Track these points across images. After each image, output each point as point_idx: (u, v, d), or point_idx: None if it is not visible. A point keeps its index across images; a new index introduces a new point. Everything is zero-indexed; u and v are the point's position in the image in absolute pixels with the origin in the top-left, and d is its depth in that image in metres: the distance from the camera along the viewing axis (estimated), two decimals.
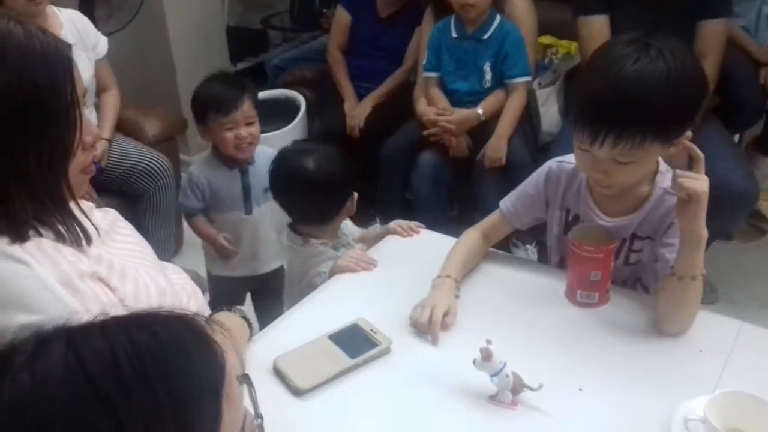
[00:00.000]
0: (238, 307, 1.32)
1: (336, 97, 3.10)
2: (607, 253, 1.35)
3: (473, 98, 2.67)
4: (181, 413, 0.55)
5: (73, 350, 0.55)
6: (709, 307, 1.41)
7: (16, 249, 0.94)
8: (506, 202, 1.52)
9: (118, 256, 1.08)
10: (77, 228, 1.02)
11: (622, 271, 1.45)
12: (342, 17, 3.17)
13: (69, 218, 1.01)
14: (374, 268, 1.54)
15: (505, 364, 1.15)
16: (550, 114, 2.76)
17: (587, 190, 1.41)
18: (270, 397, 1.14)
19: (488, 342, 1.14)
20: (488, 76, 2.63)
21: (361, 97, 3.05)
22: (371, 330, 1.32)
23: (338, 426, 1.17)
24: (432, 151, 2.73)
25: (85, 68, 2.45)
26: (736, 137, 2.98)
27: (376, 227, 1.84)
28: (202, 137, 2.14)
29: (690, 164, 1.24)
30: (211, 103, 2.04)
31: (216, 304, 1.46)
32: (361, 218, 1.97)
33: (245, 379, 0.65)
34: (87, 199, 1.16)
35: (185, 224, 2.35)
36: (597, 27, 2.47)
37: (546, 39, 2.91)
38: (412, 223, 1.69)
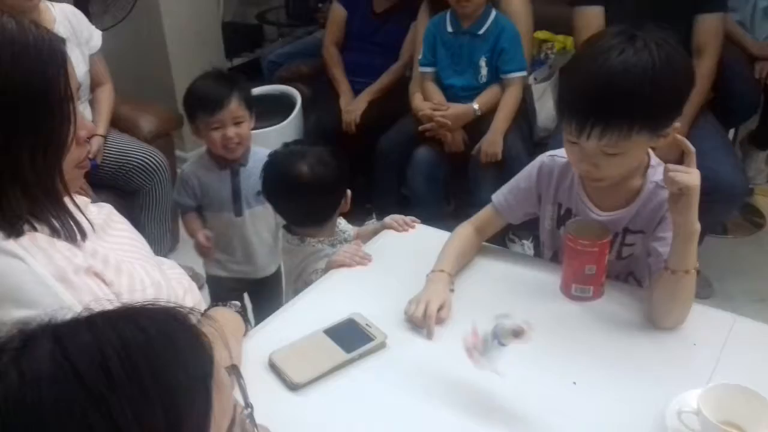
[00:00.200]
0: (234, 302, 1.32)
1: (332, 93, 3.10)
2: (601, 246, 1.35)
3: (469, 93, 2.67)
4: (171, 405, 0.56)
5: (60, 346, 0.55)
6: (703, 301, 1.41)
7: (10, 243, 0.94)
8: (499, 196, 1.52)
9: (113, 250, 1.08)
10: (71, 223, 1.02)
11: (614, 265, 1.45)
12: (337, 12, 3.17)
13: (63, 213, 1.01)
14: (369, 262, 1.55)
15: (495, 324, 1.13)
16: (545, 109, 2.76)
17: (579, 184, 1.42)
18: (265, 391, 1.15)
19: (474, 327, 1.16)
20: (484, 71, 2.63)
21: (356, 92, 3.05)
22: (366, 324, 1.32)
23: (334, 420, 1.17)
24: (428, 147, 2.73)
25: (78, 63, 2.44)
26: (732, 132, 2.98)
27: (372, 223, 1.84)
28: (194, 135, 2.12)
29: (681, 158, 1.25)
30: (199, 102, 2.00)
31: (214, 303, 1.46)
32: (358, 214, 1.97)
33: (233, 369, 0.66)
34: (82, 195, 1.16)
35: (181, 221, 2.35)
36: (591, 18, 2.49)
37: (542, 34, 2.92)
38: (408, 218, 1.69)
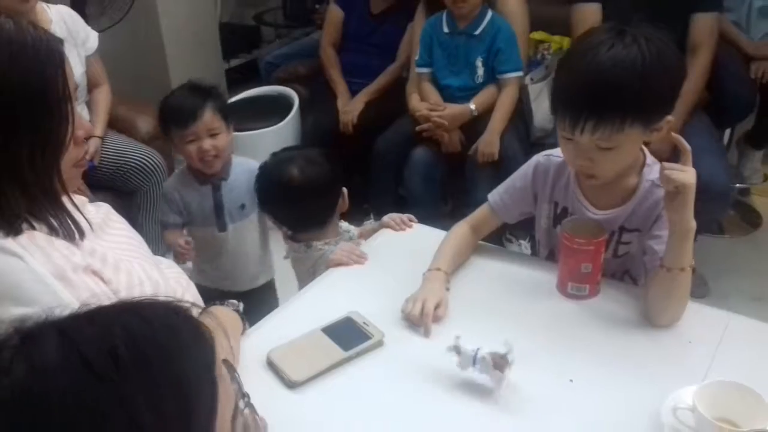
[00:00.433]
0: (231, 301, 1.32)
1: (329, 94, 3.11)
2: (597, 245, 1.36)
3: (465, 94, 2.68)
4: (181, 392, 0.56)
5: (66, 338, 0.56)
6: (699, 300, 1.42)
7: (9, 242, 0.95)
8: (495, 196, 1.53)
9: (111, 249, 1.09)
10: (69, 222, 1.02)
11: (610, 263, 1.46)
12: (334, 13, 3.18)
13: (61, 212, 1.02)
14: (366, 261, 1.55)
15: (478, 348, 1.16)
16: (542, 109, 2.77)
17: (575, 182, 1.42)
18: (263, 389, 1.15)
19: (457, 338, 1.18)
20: (480, 71, 2.64)
21: (353, 93, 3.06)
22: (364, 323, 1.32)
23: (332, 418, 1.17)
24: (425, 147, 2.74)
25: (75, 64, 2.44)
26: (728, 132, 3.00)
27: (370, 223, 1.84)
28: (173, 151, 2.03)
29: (673, 155, 1.26)
30: (171, 116, 1.94)
31: (211, 302, 1.45)
32: (355, 214, 1.97)
33: (224, 362, 0.66)
34: (80, 195, 1.17)
35: None
36: (589, 15, 2.51)
37: (538, 35, 2.92)
38: (405, 216, 1.70)
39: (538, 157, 1.48)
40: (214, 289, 2.09)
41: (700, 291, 2.53)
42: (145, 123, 2.86)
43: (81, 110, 2.54)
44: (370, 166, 2.84)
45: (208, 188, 1.99)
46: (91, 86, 2.65)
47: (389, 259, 1.58)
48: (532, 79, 2.76)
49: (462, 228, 1.53)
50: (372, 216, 2.83)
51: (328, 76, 3.15)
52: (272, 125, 3.16)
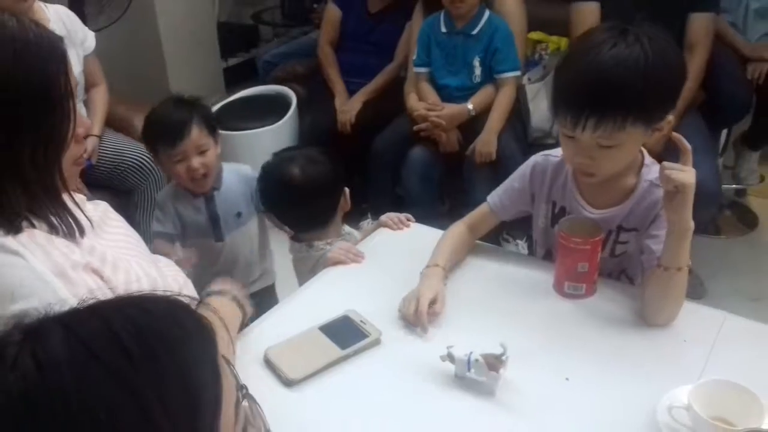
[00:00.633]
0: (227, 288, 1.28)
1: (327, 93, 3.11)
2: (594, 244, 1.36)
3: (463, 93, 2.68)
4: (189, 382, 0.57)
5: (72, 332, 0.56)
6: (695, 300, 1.43)
7: (9, 240, 0.95)
8: (494, 197, 1.53)
9: (110, 247, 1.09)
10: (70, 219, 1.03)
11: (607, 263, 1.46)
12: (332, 13, 3.18)
13: (62, 210, 1.02)
14: (363, 260, 1.56)
15: (470, 352, 1.17)
16: (539, 109, 2.77)
17: (573, 182, 1.43)
18: (261, 387, 1.15)
19: (448, 347, 1.19)
20: (478, 71, 2.64)
21: (351, 92, 3.06)
22: (361, 321, 1.33)
23: (329, 416, 1.18)
24: (422, 147, 2.74)
25: (73, 64, 2.41)
26: (724, 132, 3.00)
27: (368, 223, 1.85)
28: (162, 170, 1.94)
29: (666, 153, 1.26)
30: (157, 135, 1.86)
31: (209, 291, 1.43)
32: (353, 214, 1.97)
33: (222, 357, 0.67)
34: (78, 193, 1.17)
35: None
36: (587, 14, 2.53)
37: (536, 35, 2.93)
38: (402, 216, 1.70)
39: (536, 158, 1.49)
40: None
41: (697, 292, 2.54)
42: (142, 122, 2.86)
43: (79, 109, 2.54)
44: (367, 166, 2.84)
45: (201, 200, 1.94)
46: (89, 86, 2.65)
47: (387, 257, 1.58)
48: (529, 79, 2.77)
49: (459, 227, 1.54)
50: (370, 215, 2.84)
51: (326, 75, 3.15)
52: (270, 124, 3.16)
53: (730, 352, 1.25)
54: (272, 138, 3.06)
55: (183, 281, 1.26)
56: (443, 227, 1.60)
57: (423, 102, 2.71)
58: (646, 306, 1.34)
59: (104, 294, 0.96)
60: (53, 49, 0.98)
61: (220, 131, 3.12)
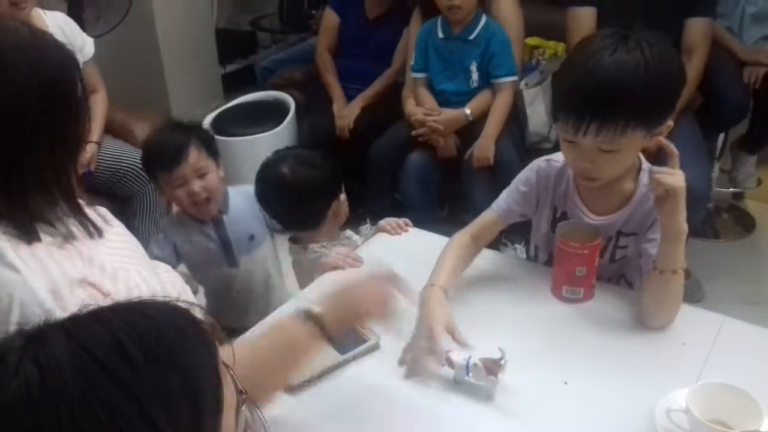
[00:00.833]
0: (306, 307, 1.14)
1: (325, 99, 3.11)
2: (592, 248, 1.37)
3: (461, 98, 2.69)
4: (191, 387, 0.57)
5: (74, 338, 0.56)
6: (693, 303, 1.43)
7: (10, 253, 0.95)
8: (498, 203, 1.51)
9: (109, 255, 1.09)
10: (87, 221, 1.05)
11: (607, 268, 1.47)
12: (330, 19, 3.19)
13: (79, 211, 1.05)
14: (361, 265, 1.56)
15: (469, 357, 1.17)
16: (537, 114, 2.78)
17: (574, 188, 1.43)
18: None
19: (447, 352, 1.19)
20: (475, 76, 2.65)
21: (350, 98, 3.07)
22: (360, 326, 1.33)
23: (328, 421, 1.18)
24: (420, 152, 2.75)
25: None
26: (721, 136, 3.01)
27: (367, 228, 1.85)
28: (162, 197, 1.87)
29: (656, 158, 1.27)
30: (154, 159, 1.81)
31: None
32: (352, 219, 1.97)
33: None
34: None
35: None
36: (584, 19, 2.54)
37: (533, 40, 2.93)
38: (401, 220, 1.71)
39: (540, 162, 1.48)
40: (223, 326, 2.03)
41: (696, 295, 2.54)
42: (142, 128, 2.86)
43: None
44: (366, 171, 2.85)
45: (210, 226, 1.88)
46: (88, 92, 2.64)
47: (386, 262, 1.58)
48: (526, 84, 2.77)
49: (463, 237, 1.49)
50: (369, 221, 2.85)
51: (324, 81, 3.16)
52: (268, 130, 3.17)
53: (728, 355, 1.26)
54: (270, 144, 3.04)
55: (181, 287, 1.27)
56: (442, 232, 1.60)
57: (421, 107, 2.72)
58: (644, 309, 1.34)
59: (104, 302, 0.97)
60: (67, 54, 1.01)
61: (219, 137, 3.15)
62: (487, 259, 1.58)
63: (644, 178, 1.38)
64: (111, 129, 2.75)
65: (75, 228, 1.04)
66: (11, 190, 0.97)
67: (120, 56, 3.20)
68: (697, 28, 2.51)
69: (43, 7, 2.50)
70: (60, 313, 0.93)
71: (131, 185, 2.63)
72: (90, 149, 2.50)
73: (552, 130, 2.81)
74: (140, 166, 2.60)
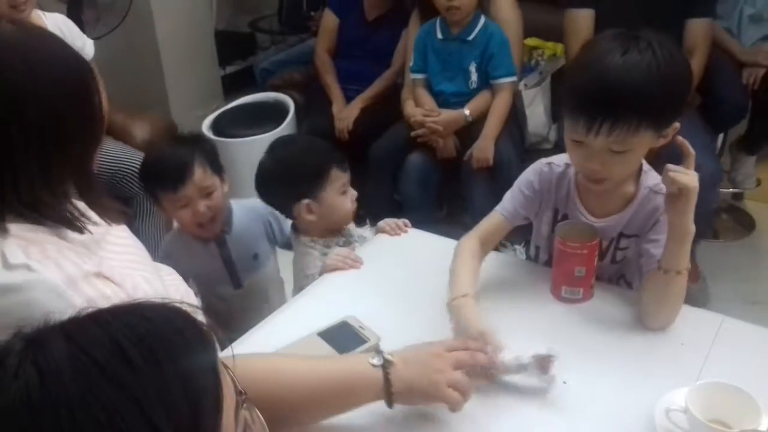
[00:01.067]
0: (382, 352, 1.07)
1: (324, 100, 3.12)
2: (590, 248, 1.37)
3: (460, 99, 2.70)
4: (191, 388, 0.57)
5: (74, 341, 0.56)
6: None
7: (21, 257, 0.96)
8: (504, 205, 1.49)
9: (117, 260, 1.10)
10: (107, 212, 1.10)
11: (607, 269, 1.47)
12: (329, 20, 3.19)
13: (100, 202, 1.10)
14: (361, 266, 1.56)
15: (518, 356, 1.17)
16: (536, 115, 2.79)
17: (576, 191, 1.43)
18: None
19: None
20: (474, 76, 2.66)
21: (349, 99, 3.08)
22: (360, 327, 1.33)
23: (327, 423, 1.18)
24: (420, 153, 2.76)
25: None
26: (720, 136, 3.02)
27: (366, 229, 1.85)
28: (163, 215, 1.77)
29: (655, 157, 1.27)
30: (156, 178, 1.71)
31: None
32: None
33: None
34: None
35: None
36: (582, 20, 2.54)
37: (532, 41, 2.94)
38: (400, 221, 1.71)
39: (541, 166, 1.47)
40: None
41: (702, 299, 2.53)
42: (141, 130, 2.87)
43: None
44: (365, 172, 2.85)
45: (213, 246, 1.79)
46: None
47: (384, 263, 1.59)
48: (526, 85, 2.78)
49: (471, 243, 1.45)
50: (368, 221, 2.85)
51: (324, 82, 3.16)
52: (268, 132, 3.17)
53: (727, 355, 1.26)
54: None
55: (184, 290, 1.27)
56: (441, 232, 1.60)
57: (420, 108, 2.72)
58: (644, 309, 1.34)
59: (120, 300, 0.98)
60: (83, 59, 1.06)
61: (218, 138, 3.16)
62: (487, 259, 1.58)
63: (645, 180, 1.38)
64: (111, 131, 2.75)
65: (89, 223, 1.07)
66: (4, 187, 0.99)
67: (119, 58, 3.21)
68: (697, 29, 2.52)
69: (42, 9, 2.51)
70: (81, 304, 0.94)
71: (131, 187, 2.64)
72: None
73: (551, 131, 2.82)
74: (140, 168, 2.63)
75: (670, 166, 1.24)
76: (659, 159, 1.28)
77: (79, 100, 1.02)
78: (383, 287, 1.48)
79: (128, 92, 3.21)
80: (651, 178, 1.38)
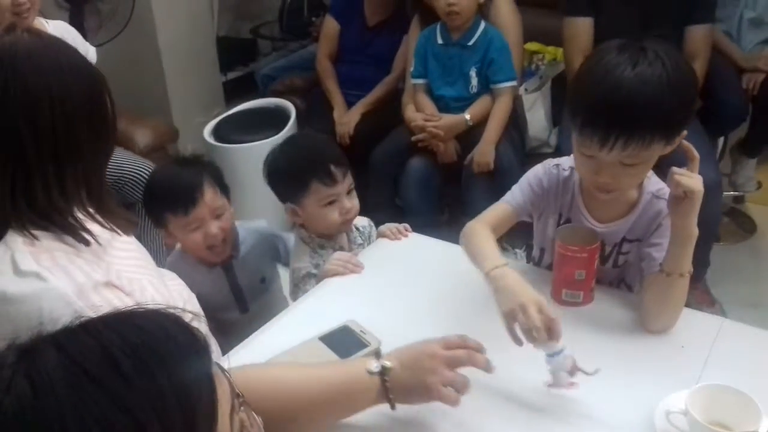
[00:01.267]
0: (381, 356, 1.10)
1: (325, 105, 3.13)
2: (591, 252, 1.37)
3: (460, 104, 2.70)
4: (184, 397, 0.57)
5: (65, 352, 0.56)
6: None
7: (32, 264, 0.96)
8: (515, 197, 1.48)
9: (123, 265, 1.11)
10: (117, 221, 1.11)
11: (609, 273, 1.48)
12: (330, 26, 3.20)
13: (110, 211, 1.10)
14: (362, 270, 1.57)
15: (565, 347, 1.17)
16: (536, 119, 2.79)
17: (580, 197, 1.44)
18: None
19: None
20: (474, 81, 2.66)
21: (350, 104, 3.08)
22: (361, 331, 1.33)
23: (328, 426, 1.18)
24: (421, 157, 2.76)
25: None
26: (721, 140, 3.02)
27: (364, 218, 1.85)
28: (166, 241, 1.74)
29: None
30: (165, 202, 1.65)
31: None
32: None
33: (215, 364, 0.67)
34: None
35: None
36: (580, 28, 2.55)
37: (532, 45, 2.95)
38: (401, 226, 1.72)
39: (549, 167, 1.47)
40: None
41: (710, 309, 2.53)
42: (143, 136, 2.89)
43: None
44: (366, 177, 2.86)
45: (218, 270, 1.74)
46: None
47: (385, 267, 1.59)
48: (526, 90, 2.79)
49: (482, 226, 1.43)
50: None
51: (325, 87, 3.17)
52: (269, 137, 3.18)
53: (728, 357, 1.26)
54: None
55: (187, 295, 1.28)
56: (442, 237, 1.60)
57: (421, 113, 2.73)
58: (645, 311, 1.35)
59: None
60: (96, 68, 1.10)
61: (220, 144, 3.16)
62: None
63: (648, 185, 1.38)
64: None
65: (99, 231, 1.08)
66: (15, 194, 1.01)
67: (121, 64, 3.21)
68: (698, 35, 2.53)
69: (44, 16, 2.52)
70: (89, 313, 0.95)
71: (133, 193, 2.64)
72: None
73: (552, 135, 2.83)
74: (142, 173, 2.64)
75: (675, 169, 1.24)
76: (663, 163, 1.28)
77: (91, 108, 1.03)
78: (384, 291, 1.49)
79: (130, 99, 3.21)
80: (653, 182, 1.38)
